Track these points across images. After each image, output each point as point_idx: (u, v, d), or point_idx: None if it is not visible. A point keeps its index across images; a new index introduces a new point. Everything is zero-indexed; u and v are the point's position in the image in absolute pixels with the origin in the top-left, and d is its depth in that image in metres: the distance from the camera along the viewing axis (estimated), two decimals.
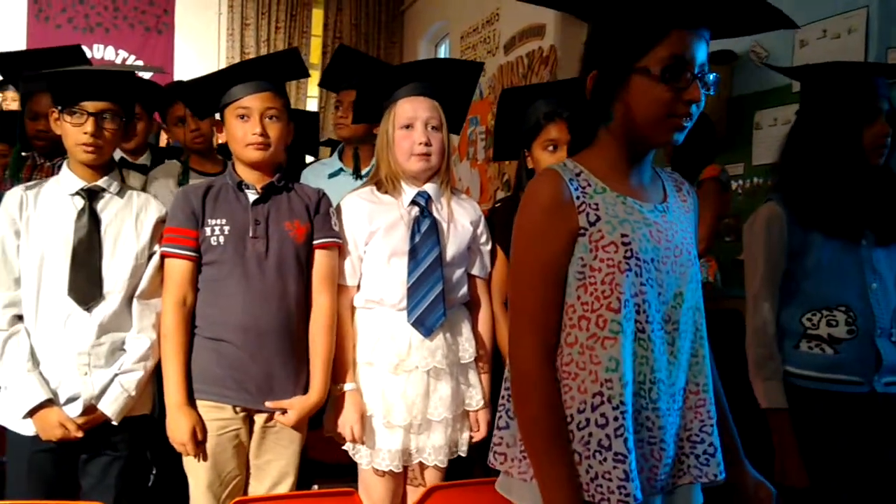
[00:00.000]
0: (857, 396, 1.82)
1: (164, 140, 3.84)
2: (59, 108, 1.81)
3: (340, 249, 1.92)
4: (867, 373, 1.82)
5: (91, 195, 1.84)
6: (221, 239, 1.82)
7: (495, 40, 5.40)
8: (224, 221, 1.84)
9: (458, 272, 1.96)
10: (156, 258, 1.88)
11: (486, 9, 5.50)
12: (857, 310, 1.81)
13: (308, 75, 2.14)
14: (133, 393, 1.82)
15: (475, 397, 1.96)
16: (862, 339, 1.81)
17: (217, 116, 1.95)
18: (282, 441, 1.87)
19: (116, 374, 1.81)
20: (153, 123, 3.08)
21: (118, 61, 6.23)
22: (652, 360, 1.20)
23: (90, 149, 1.80)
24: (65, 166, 1.88)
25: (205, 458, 1.80)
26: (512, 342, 1.24)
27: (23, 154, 2.67)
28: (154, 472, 2.43)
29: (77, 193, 1.84)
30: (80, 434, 1.77)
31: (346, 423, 1.84)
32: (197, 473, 1.82)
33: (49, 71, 1.86)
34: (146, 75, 3.09)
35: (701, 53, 1.16)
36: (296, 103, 6.24)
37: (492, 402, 1.92)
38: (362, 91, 2.05)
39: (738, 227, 3.20)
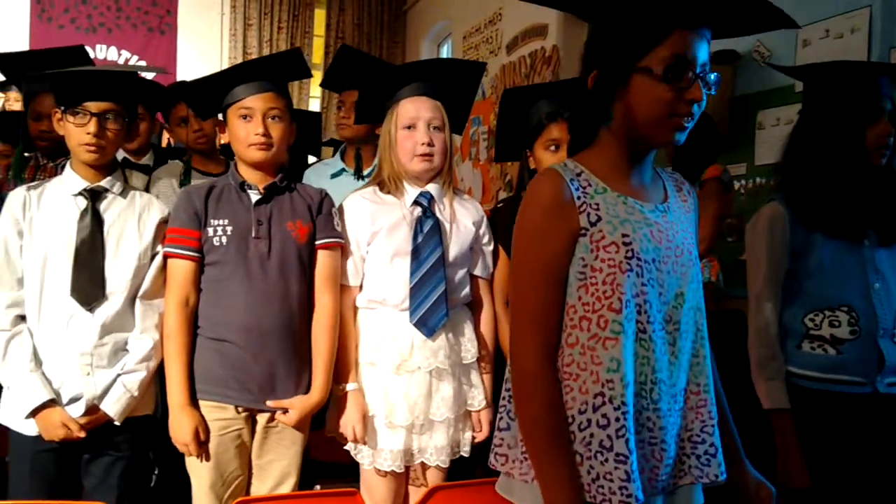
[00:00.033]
0: (859, 397, 1.81)
1: (165, 140, 3.85)
2: (62, 108, 1.81)
3: (343, 249, 1.92)
4: (870, 373, 1.81)
5: (94, 195, 1.85)
6: (224, 239, 1.82)
7: (498, 40, 5.40)
8: (227, 222, 1.84)
9: (461, 272, 1.96)
10: (158, 258, 1.88)
11: (489, 9, 5.50)
12: (859, 310, 1.81)
13: (310, 75, 2.14)
14: (135, 393, 1.82)
15: (477, 397, 1.96)
16: (864, 340, 1.81)
17: (220, 117, 1.95)
18: (284, 441, 1.87)
19: (119, 375, 1.81)
20: (156, 124, 3.09)
21: (121, 62, 6.24)
22: (653, 361, 1.20)
23: (93, 149, 1.80)
24: (68, 167, 1.88)
25: (207, 459, 1.81)
26: (513, 342, 1.24)
27: (26, 155, 2.67)
28: (156, 472, 2.43)
29: (80, 194, 1.84)
30: (82, 434, 1.77)
31: (348, 423, 1.84)
32: (199, 473, 1.83)
33: (52, 71, 1.86)
34: (149, 76, 3.10)
35: (702, 53, 1.16)
36: (298, 103, 6.25)
37: (494, 402, 1.92)
38: (365, 91, 2.05)
39: (741, 227, 3.20)
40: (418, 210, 1.90)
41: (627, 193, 1.24)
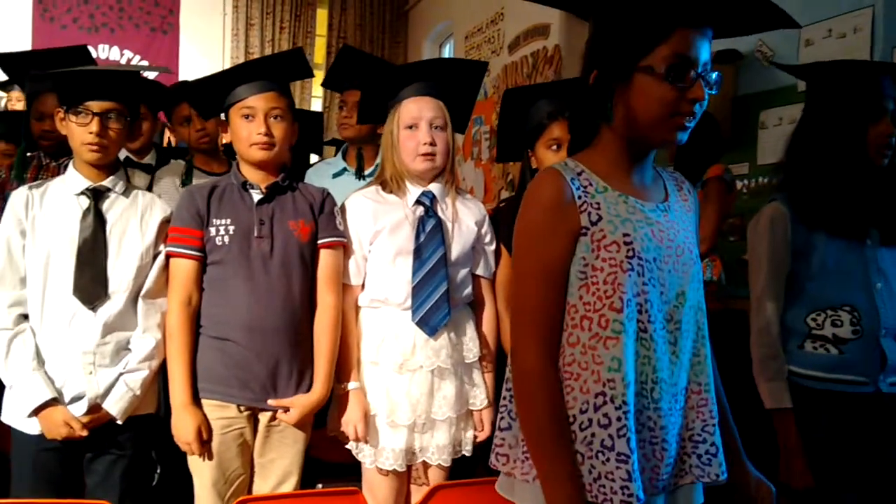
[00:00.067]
0: (862, 396, 1.81)
1: (167, 140, 3.85)
2: (65, 108, 1.81)
3: (345, 249, 1.92)
4: (872, 373, 1.81)
5: (96, 195, 1.85)
6: (226, 239, 1.83)
7: (500, 40, 5.40)
8: (229, 221, 1.84)
9: (463, 272, 1.96)
10: (161, 258, 1.88)
11: (491, 8, 5.49)
12: (861, 310, 1.81)
13: (312, 75, 2.14)
14: (138, 392, 1.82)
15: (479, 397, 1.96)
16: (867, 339, 1.80)
17: (222, 116, 1.96)
18: (286, 440, 1.87)
19: (121, 374, 1.82)
20: (158, 123, 3.09)
21: (123, 61, 6.24)
22: (654, 360, 1.20)
23: (95, 148, 1.80)
24: (70, 166, 1.88)
25: (210, 458, 1.81)
26: (514, 342, 1.24)
27: (28, 154, 2.67)
28: (158, 470, 2.43)
29: (82, 193, 1.84)
30: (84, 433, 1.77)
31: (350, 421, 1.85)
32: (201, 472, 1.83)
33: (55, 71, 1.87)
34: (151, 75, 3.10)
35: (704, 52, 1.16)
36: (300, 103, 6.25)
37: (495, 401, 1.92)
38: (367, 91, 2.05)
39: (743, 226, 3.20)
40: (421, 209, 1.90)
41: (628, 193, 1.23)
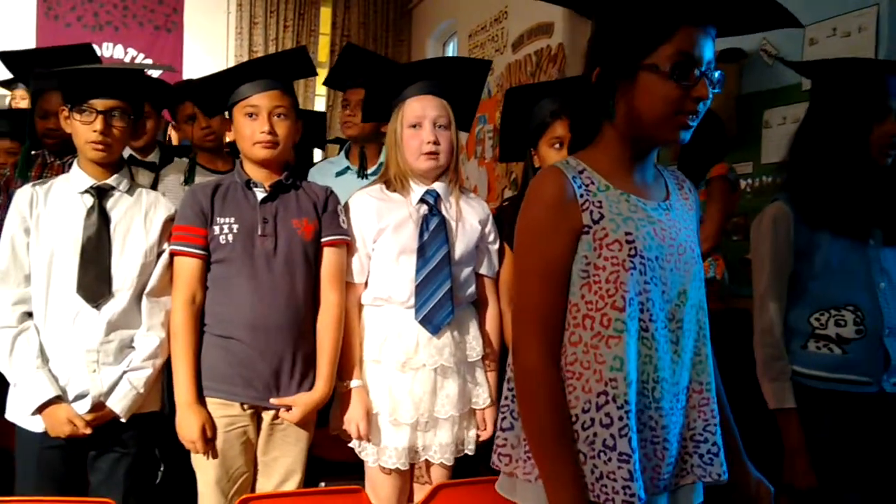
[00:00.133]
0: (865, 396, 1.81)
1: (170, 138, 3.85)
2: (69, 106, 1.82)
3: (348, 247, 1.92)
4: (876, 373, 1.81)
5: (100, 193, 1.85)
6: (230, 237, 1.83)
7: (503, 38, 5.39)
8: (233, 220, 1.84)
9: (466, 271, 1.96)
10: (165, 256, 1.89)
11: (494, 7, 5.49)
12: (865, 309, 1.80)
13: (316, 74, 2.15)
14: (142, 390, 1.83)
15: (482, 395, 1.96)
16: (870, 339, 1.80)
17: (226, 115, 1.96)
18: (289, 438, 1.88)
19: (125, 372, 1.82)
20: (162, 121, 3.09)
21: (127, 60, 6.25)
22: (655, 359, 1.20)
23: (99, 147, 1.81)
24: (75, 164, 1.89)
25: (214, 456, 1.81)
26: (515, 340, 1.24)
27: (33, 152, 2.68)
28: (162, 468, 2.44)
29: (87, 191, 1.85)
30: (88, 431, 1.78)
31: (352, 419, 1.85)
32: (205, 470, 1.83)
33: (59, 69, 1.87)
34: (155, 73, 3.11)
35: (708, 51, 1.16)
36: (304, 101, 6.26)
37: (498, 400, 1.92)
38: (371, 90, 2.05)
39: (747, 225, 3.19)
40: (424, 208, 1.90)
41: (630, 191, 1.23)
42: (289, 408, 1.84)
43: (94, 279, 1.80)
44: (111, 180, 1.87)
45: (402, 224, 1.89)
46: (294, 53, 2.05)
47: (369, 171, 2.61)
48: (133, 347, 1.85)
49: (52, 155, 2.66)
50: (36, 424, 1.79)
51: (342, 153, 2.78)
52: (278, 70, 1.88)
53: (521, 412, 1.22)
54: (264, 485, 1.89)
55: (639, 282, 1.18)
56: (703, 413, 1.26)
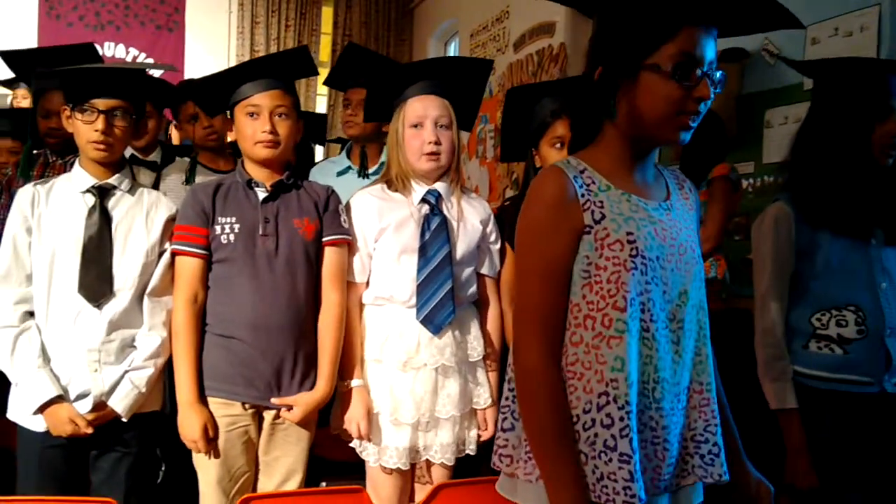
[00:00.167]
0: (867, 396, 1.81)
1: (177, 138, 3.85)
2: (71, 105, 1.82)
3: (350, 246, 1.92)
4: (877, 373, 1.81)
5: (102, 193, 1.86)
6: (232, 237, 1.83)
7: (505, 38, 5.39)
8: (234, 219, 1.85)
9: (468, 270, 1.96)
10: (166, 255, 1.89)
11: (496, 6, 5.48)
12: (866, 309, 1.80)
13: (317, 73, 2.15)
14: (143, 390, 1.83)
15: (483, 395, 1.96)
16: (872, 339, 1.80)
17: (227, 114, 1.96)
18: (290, 438, 1.88)
19: (127, 371, 1.82)
20: (163, 121, 3.09)
21: (129, 59, 6.26)
22: (656, 360, 1.20)
23: (101, 146, 1.81)
24: (76, 164, 1.89)
25: (216, 456, 1.81)
26: (516, 341, 1.23)
27: (34, 152, 2.68)
28: (163, 468, 2.44)
29: (88, 191, 1.85)
30: (90, 430, 1.78)
31: (353, 419, 1.85)
32: (207, 469, 1.84)
33: (61, 69, 1.87)
34: (157, 73, 3.11)
35: (710, 51, 1.16)
36: (305, 101, 6.26)
37: (499, 400, 1.92)
38: (372, 89, 2.05)
39: (748, 225, 3.18)
40: (426, 207, 1.90)
41: (631, 191, 1.23)
42: (290, 407, 1.84)
43: (96, 279, 1.81)
44: (113, 180, 1.87)
45: (404, 224, 1.89)
46: (295, 53, 2.05)
47: (370, 171, 2.62)
48: (134, 347, 1.85)
49: (54, 154, 2.66)
50: (37, 424, 1.79)
51: (343, 153, 2.78)
52: (280, 70, 1.88)
53: (522, 412, 1.22)
54: (265, 484, 1.89)
55: (640, 282, 1.18)
56: (704, 413, 1.26)
